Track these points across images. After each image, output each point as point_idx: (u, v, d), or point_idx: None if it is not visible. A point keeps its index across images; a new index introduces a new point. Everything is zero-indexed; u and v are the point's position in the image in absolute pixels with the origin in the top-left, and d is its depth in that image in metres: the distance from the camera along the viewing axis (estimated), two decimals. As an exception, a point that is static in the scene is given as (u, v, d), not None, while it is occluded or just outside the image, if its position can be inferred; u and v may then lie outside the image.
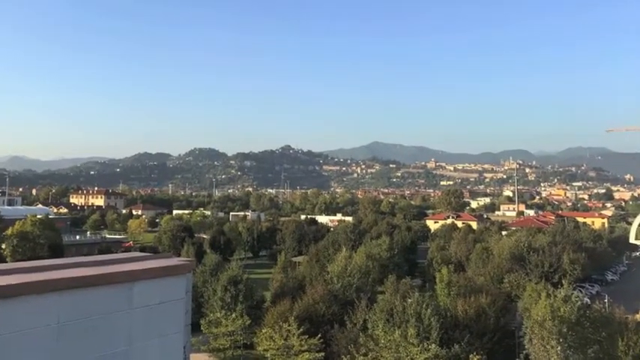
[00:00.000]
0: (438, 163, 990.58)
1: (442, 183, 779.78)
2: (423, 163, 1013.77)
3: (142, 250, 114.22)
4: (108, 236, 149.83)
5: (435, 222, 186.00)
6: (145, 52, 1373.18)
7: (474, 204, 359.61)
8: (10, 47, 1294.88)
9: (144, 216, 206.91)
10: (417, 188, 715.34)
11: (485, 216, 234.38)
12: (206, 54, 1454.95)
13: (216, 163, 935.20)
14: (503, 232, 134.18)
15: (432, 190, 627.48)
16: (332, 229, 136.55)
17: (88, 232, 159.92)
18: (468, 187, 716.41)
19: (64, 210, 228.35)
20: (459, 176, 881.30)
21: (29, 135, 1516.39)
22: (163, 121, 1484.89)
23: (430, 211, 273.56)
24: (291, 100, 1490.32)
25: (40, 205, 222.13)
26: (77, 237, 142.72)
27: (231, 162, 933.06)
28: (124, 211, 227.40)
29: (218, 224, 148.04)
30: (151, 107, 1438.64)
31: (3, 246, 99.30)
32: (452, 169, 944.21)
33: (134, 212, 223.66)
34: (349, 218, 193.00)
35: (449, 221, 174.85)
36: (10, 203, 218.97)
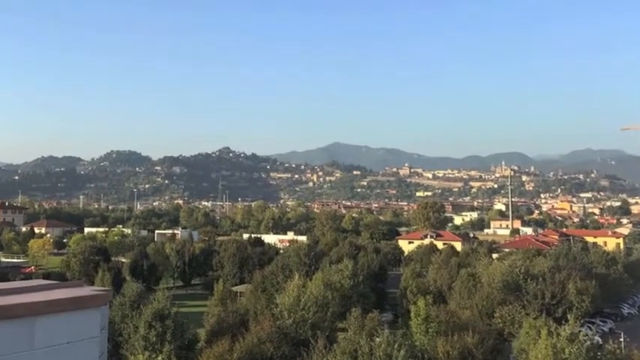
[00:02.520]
0: (413, 170, 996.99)
1: (418, 194, 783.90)
2: (395, 169, 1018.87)
3: (47, 277, 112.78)
4: (3, 260, 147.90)
5: (410, 242, 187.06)
6: (44, 28, 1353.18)
7: (457, 220, 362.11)
8: None
9: (49, 235, 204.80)
10: (386, 200, 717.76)
11: (471, 235, 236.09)
12: (122, 33, 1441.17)
13: (138, 169, 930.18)
14: (494, 255, 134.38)
15: (405, 203, 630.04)
16: (282, 250, 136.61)
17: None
18: (451, 198, 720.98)
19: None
20: (439, 185, 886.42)
21: None
22: (72, 117, 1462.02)
23: (403, 228, 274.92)
24: (231, 91, 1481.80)
25: None
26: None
27: (157, 168, 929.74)
28: (23, 229, 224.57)
29: (140, 245, 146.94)
30: (56, 100, 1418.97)
31: None
32: (430, 176, 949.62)
33: (36, 230, 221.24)
34: (303, 238, 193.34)
35: (426, 241, 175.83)
36: None
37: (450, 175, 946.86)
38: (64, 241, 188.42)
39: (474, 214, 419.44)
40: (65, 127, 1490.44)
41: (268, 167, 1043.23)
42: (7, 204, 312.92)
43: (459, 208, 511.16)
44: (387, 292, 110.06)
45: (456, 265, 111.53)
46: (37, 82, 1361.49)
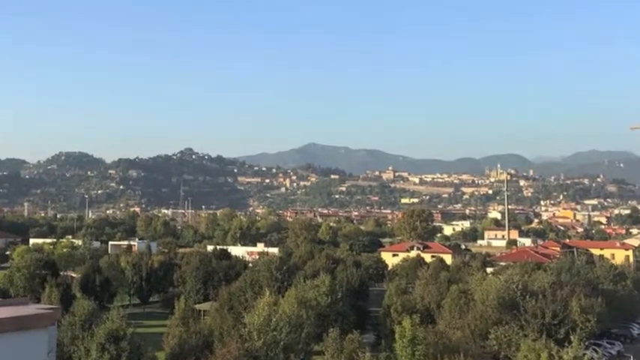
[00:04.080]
0: (397, 173, 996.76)
1: (403, 201, 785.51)
2: (378, 172, 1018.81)
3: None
4: None
5: (394, 255, 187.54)
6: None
7: (447, 230, 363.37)
8: None
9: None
10: (368, 208, 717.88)
11: (463, 246, 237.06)
12: (72, 20, 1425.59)
13: (89, 173, 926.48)
14: (489, 270, 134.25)
15: (389, 211, 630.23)
16: (250, 264, 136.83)
17: None
18: (440, 205, 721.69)
19: None
20: (426, 191, 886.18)
21: None
22: (14, 114, 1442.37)
23: (387, 239, 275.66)
24: (194, 87, 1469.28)
25: None
26: None
27: (111, 172, 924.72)
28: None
29: (92, 258, 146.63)
30: None
31: None
32: (417, 180, 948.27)
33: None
34: (274, 250, 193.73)
35: (413, 254, 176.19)
36: None
37: (439, 180, 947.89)
38: (7, 253, 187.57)
39: (466, 223, 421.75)
40: (6, 126, 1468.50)
41: (235, 171, 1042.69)
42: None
43: (449, 217, 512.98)
44: (369, 310, 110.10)
45: (445, 280, 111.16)
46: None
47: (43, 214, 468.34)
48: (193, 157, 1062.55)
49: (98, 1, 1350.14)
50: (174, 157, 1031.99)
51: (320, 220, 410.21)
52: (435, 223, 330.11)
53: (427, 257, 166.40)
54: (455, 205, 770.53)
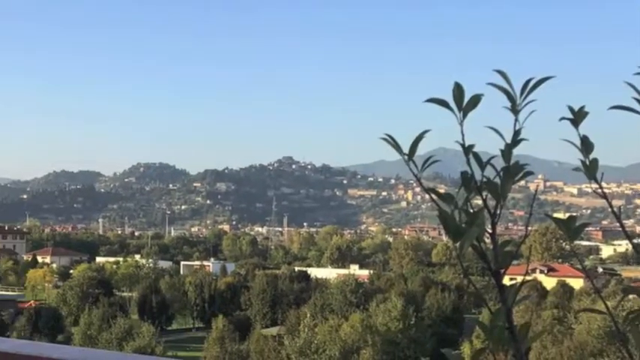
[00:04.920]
0: (550, 183, 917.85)
1: (557, 216, 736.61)
2: (524, 182, 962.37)
3: (37, 312, 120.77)
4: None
5: (512, 279, 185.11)
6: (50, 28, 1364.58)
7: (607, 250, 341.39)
8: None
9: (54, 264, 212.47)
10: (510, 224, 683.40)
11: (617, 270, 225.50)
12: (147, 30, 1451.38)
13: (171, 186, 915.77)
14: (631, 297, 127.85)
15: (536, 227, 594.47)
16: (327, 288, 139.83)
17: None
18: (605, 221, 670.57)
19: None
20: (587, 204, 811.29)
21: None
22: (87, 122, 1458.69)
23: (518, 261, 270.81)
24: (292, 87, 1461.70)
25: None
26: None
27: (196, 185, 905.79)
28: (25, 257, 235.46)
29: (154, 279, 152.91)
30: (66, 103, 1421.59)
31: None
32: (575, 191, 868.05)
33: (40, 259, 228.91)
34: (363, 272, 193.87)
35: (532, 277, 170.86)
36: None
37: (606, 190, 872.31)
38: (70, 272, 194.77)
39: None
40: (79, 135, 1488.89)
41: (345, 182, 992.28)
42: (6, 228, 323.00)
43: (613, 235, 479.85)
44: (457, 339, 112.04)
45: (551, 306, 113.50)
46: (40, 81, 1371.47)
47: (119, 232, 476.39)
48: (293, 166, 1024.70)
49: (195, 10, 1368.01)
50: (271, 167, 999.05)
51: (431, 238, 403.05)
52: (592, 243, 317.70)
53: (552, 282, 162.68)
54: (626, 221, 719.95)
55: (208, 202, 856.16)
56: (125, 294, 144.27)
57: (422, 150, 2.88)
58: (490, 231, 2.82)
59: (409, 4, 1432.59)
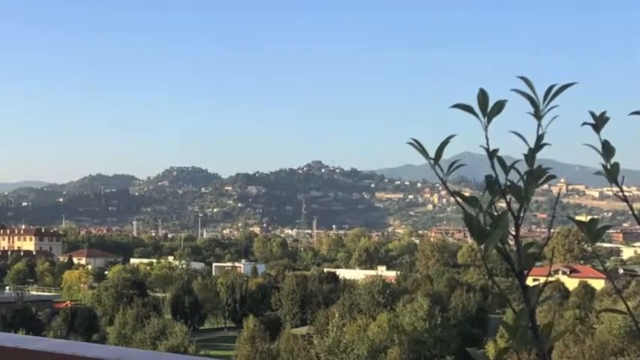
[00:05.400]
0: (572, 186, 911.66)
1: (578, 218, 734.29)
2: (547, 186, 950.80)
3: (73, 312, 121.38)
4: (33, 293, 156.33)
5: (535, 280, 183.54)
6: (88, 38, 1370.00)
7: (627, 252, 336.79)
8: None
9: (89, 266, 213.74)
10: (533, 226, 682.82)
11: (637, 272, 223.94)
12: (181, 40, 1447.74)
13: (204, 189, 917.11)
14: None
15: (558, 230, 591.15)
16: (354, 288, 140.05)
17: (7, 288, 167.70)
18: (626, 224, 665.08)
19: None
20: (608, 207, 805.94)
21: None
22: (121, 127, 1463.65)
23: (540, 263, 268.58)
24: (321, 91, 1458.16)
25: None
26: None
27: (227, 188, 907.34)
28: (61, 259, 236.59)
29: (187, 279, 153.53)
30: (101, 108, 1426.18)
31: None
32: (596, 194, 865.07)
33: (75, 260, 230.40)
34: (391, 273, 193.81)
35: (554, 278, 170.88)
36: None
37: (627, 193, 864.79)
38: (105, 273, 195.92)
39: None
40: (114, 140, 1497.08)
41: (373, 186, 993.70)
42: (43, 231, 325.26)
43: (633, 237, 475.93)
44: (482, 339, 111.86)
45: (573, 306, 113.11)
46: (77, 88, 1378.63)
47: (153, 234, 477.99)
48: (322, 170, 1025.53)
49: (223, 16, 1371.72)
50: (300, 171, 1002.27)
51: (456, 240, 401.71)
52: (613, 245, 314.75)
53: (573, 283, 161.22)
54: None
55: (240, 205, 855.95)
56: (158, 294, 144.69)
57: (447, 154, 2.89)
58: (514, 233, 2.84)
59: (434, 10, 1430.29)
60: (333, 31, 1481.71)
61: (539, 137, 2.73)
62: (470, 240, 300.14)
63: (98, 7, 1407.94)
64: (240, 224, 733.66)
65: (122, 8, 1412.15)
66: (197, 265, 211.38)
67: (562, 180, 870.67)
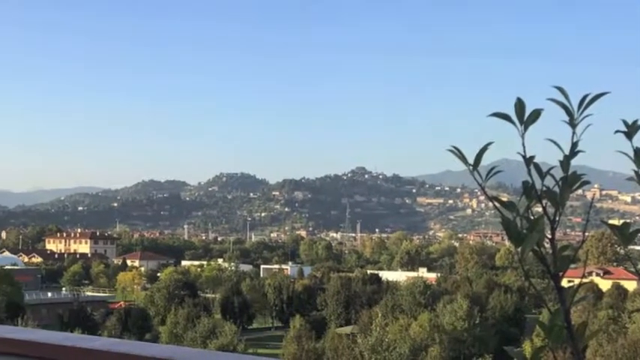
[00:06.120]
0: (605, 192, 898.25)
1: (611, 222, 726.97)
2: (581, 191, 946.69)
3: (127, 312, 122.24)
4: (89, 294, 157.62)
5: (569, 281, 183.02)
6: (143, 49, 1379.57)
7: None
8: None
9: (142, 268, 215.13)
10: (568, 230, 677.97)
11: None
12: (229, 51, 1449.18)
13: (252, 194, 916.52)
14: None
15: (591, 232, 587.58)
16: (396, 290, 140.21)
17: (64, 289, 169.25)
18: None
19: (37, 259, 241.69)
20: None
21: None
22: (174, 136, 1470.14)
23: (575, 265, 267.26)
24: (366, 97, 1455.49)
25: (6, 253, 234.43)
26: (49, 294, 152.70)
27: (275, 193, 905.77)
28: (115, 261, 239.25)
29: (238, 281, 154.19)
30: (155, 118, 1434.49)
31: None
32: (629, 199, 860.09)
33: (129, 263, 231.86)
34: (431, 275, 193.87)
35: (588, 280, 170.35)
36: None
37: None
38: (158, 274, 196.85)
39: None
40: (167, 149, 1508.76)
41: (414, 191, 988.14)
42: (98, 234, 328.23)
43: None
44: (519, 338, 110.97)
45: (607, 307, 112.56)
46: (132, 98, 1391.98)
47: (203, 237, 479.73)
48: (366, 176, 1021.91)
49: (268, 29, 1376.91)
50: (345, 177, 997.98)
51: (494, 243, 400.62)
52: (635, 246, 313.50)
53: (607, 284, 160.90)
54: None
55: (286, 209, 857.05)
56: (209, 295, 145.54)
57: (486, 161, 2.91)
58: (549, 236, 2.87)
59: (470, 21, 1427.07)
60: (376, 41, 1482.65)
61: (574, 144, 2.91)
62: (507, 243, 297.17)
63: (156, 19, 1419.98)
64: (286, 228, 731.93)
65: (177, 19, 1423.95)
66: (246, 267, 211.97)
67: (596, 185, 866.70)
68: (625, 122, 2.88)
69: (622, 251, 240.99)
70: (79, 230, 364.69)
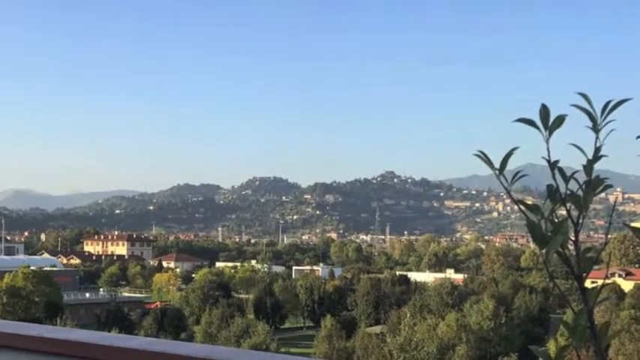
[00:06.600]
0: (627, 195, 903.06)
1: (634, 224, 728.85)
2: (604, 194, 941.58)
3: (163, 312, 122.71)
4: (125, 294, 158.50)
5: (593, 282, 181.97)
6: (191, 54, 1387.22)
7: None
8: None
9: (177, 269, 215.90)
10: (591, 232, 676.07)
11: None
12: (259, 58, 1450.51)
13: (284, 198, 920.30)
14: None
15: (614, 235, 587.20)
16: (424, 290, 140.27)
17: (101, 290, 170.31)
18: None
19: (75, 261, 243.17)
20: None
21: (35, 163, 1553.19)
22: (208, 141, 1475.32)
23: (597, 266, 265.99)
24: (394, 104, 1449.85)
25: (45, 255, 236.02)
26: (87, 295, 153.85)
27: (306, 197, 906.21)
28: (151, 263, 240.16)
29: (271, 282, 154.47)
30: (190, 124, 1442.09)
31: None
32: None
33: (165, 264, 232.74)
34: (458, 276, 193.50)
35: (611, 281, 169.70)
36: (10, 252, 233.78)
37: None
38: (192, 276, 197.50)
39: None
40: (202, 153, 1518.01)
41: (442, 194, 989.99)
42: (135, 236, 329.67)
43: None
44: (543, 338, 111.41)
45: (629, 307, 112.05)
46: (168, 106, 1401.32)
47: (237, 239, 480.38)
48: (395, 180, 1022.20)
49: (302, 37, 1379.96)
50: (374, 181, 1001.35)
51: (520, 245, 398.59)
52: None
53: (629, 285, 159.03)
54: None
55: (318, 212, 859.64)
56: (242, 296, 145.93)
57: (511, 165, 2.93)
58: (573, 239, 2.85)
59: (497, 29, 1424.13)
60: (404, 49, 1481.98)
61: (597, 149, 2.93)
62: (532, 245, 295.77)
63: (195, 27, 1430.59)
64: (318, 230, 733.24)
65: (211, 26, 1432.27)
66: (278, 269, 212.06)
67: (618, 189, 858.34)
68: (647, 127, 2.95)
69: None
70: (116, 233, 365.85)
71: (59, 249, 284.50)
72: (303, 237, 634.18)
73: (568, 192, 2.94)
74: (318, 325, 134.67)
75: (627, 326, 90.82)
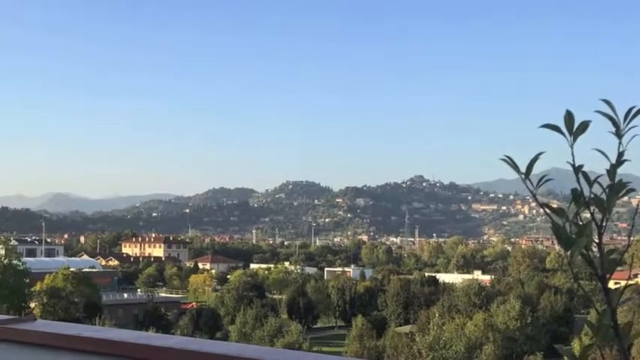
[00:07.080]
0: None
1: None
2: (627, 198, 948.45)
3: (198, 312, 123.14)
4: (162, 295, 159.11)
5: (616, 283, 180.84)
6: (216, 61, 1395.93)
7: None
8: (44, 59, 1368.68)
9: (213, 270, 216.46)
10: (614, 234, 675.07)
11: None
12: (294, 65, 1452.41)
13: (317, 201, 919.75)
14: None
15: (637, 237, 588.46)
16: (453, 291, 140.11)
17: (139, 290, 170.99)
18: None
19: (114, 262, 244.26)
20: None
21: (74, 167, 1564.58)
22: (243, 146, 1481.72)
23: (620, 268, 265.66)
24: (423, 109, 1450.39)
25: (85, 256, 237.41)
26: (125, 295, 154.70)
27: (338, 200, 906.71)
28: (187, 264, 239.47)
29: (303, 282, 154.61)
30: (225, 129, 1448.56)
31: (32, 304, 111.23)
32: None
33: (200, 265, 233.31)
34: (485, 277, 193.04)
35: (634, 281, 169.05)
36: (50, 254, 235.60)
37: None
38: (227, 277, 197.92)
39: None
40: (236, 158, 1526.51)
41: (469, 198, 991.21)
42: (171, 239, 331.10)
43: None
44: (568, 337, 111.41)
45: None
46: (206, 111, 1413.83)
47: (270, 242, 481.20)
48: (424, 184, 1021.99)
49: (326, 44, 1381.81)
50: (404, 185, 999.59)
51: (557, 248, 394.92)
52: None
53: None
54: None
55: (349, 215, 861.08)
56: (276, 296, 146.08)
57: (537, 169, 2.95)
58: (597, 241, 2.96)
59: (527, 37, 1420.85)
60: (433, 57, 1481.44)
61: (620, 154, 2.94)
62: (557, 247, 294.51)
63: (227, 35, 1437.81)
64: (349, 233, 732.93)
65: (247, 34, 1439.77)
66: (310, 270, 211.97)
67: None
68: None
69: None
70: (153, 235, 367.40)
71: (98, 251, 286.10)
72: (335, 239, 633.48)
73: (592, 196, 2.96)
74: (350, 325, 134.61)
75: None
